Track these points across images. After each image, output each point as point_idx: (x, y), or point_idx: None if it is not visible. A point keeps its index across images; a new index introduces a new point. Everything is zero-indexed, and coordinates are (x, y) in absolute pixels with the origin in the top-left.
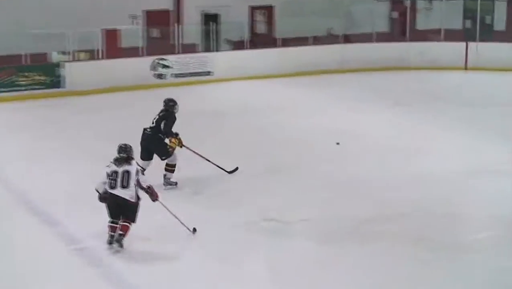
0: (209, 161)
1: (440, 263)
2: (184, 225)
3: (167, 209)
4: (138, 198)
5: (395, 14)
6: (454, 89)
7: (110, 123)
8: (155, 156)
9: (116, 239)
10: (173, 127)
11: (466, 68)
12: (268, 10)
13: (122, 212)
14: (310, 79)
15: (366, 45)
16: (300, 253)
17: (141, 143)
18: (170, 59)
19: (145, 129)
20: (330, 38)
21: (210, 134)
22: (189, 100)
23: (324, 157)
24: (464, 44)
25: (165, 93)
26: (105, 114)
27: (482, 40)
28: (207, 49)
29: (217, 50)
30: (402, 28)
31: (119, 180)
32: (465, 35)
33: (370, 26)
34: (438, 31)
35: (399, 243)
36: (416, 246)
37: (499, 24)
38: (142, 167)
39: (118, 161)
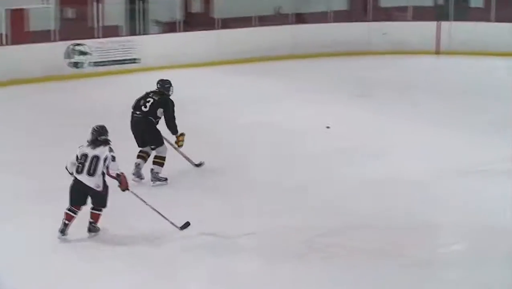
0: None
1: (409, 281)
2: (167, 219)
3: (143, 201)
4: (105, 186)
5: None
6: (425, 76)
7: (12, 123)
8: None
9: (89, 229)
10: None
11: (438, 52)
12: None
13: (87, 199)
14: (255, 67)
15: (321, 26)
16: (245, 271)
17: (133, 129)
18: (89, 44)
19: (133, 113)
20: (278, 18)
21: None
22: (111, 92)
23: (271, 161)
24: (435, 24)
25: (82, 85)
26: (7, 110)
27: (457, 19)
28: (133, 32)
29: (144, 33)
30: (363, 5)
31: (86, 165)
32: (437, 14)
33: (326, 3)
34: (405, 9)
35: (360, 258)
36: (380, 261)
37: (476, 0)
38: (145, 152)
39: (93, 143)
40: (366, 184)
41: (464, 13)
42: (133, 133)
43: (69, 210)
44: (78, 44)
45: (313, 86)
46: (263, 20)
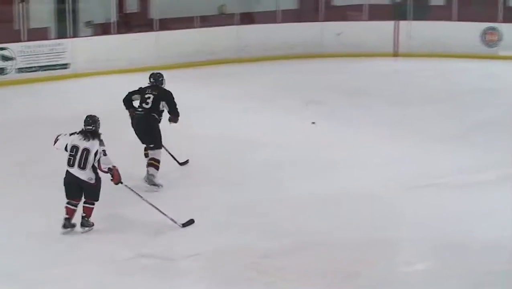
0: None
1: None
2: (166, 215)
3: (139, 195)
4: (98, 179)
5: None
6: (382, 81)
7: None
8: None
9: (81, 224)
10: None
11: (396, 54)
12: None
13: (82, 192)
14: (197, 72)
15: (270, 27)
16: None
17: (134, 127)
18: (13, 48)
19: (137, 108)
20: (223, 18)
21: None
22: (38, 101)
23: (215, 176)
24: (393, 23)
25: (7, 93)
26: None
27: (416, 18)
28: (63, 34)
29: (75, 36)
30: (314, 4)
31: (77, 158)
32: (395, 12)
33: (274, 2)
34: (360, 8)
35: (313, 280)
36: (335, 283)
37: None
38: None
39: (83, 135)
40: (318, 198)
41: (424, 12)
42: (136, 131)
43: (68, 204)
44: (1, 48)
45: (261, 92)
46: (206, 21)
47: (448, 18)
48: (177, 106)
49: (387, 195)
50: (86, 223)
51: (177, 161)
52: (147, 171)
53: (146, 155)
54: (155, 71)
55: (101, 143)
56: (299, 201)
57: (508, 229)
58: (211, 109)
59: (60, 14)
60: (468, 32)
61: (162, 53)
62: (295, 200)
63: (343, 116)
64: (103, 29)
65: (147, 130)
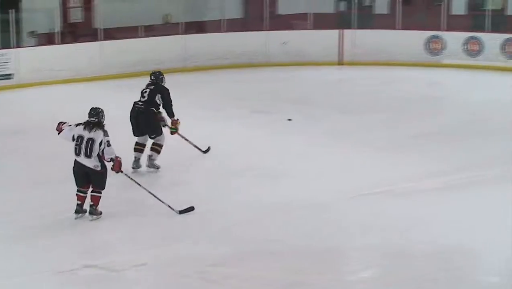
0: (187, 141)
1: None
2: (164, 203)
3: (138, 184)
4: (103, 166)
5: None
6: (327, 90)
7: None
8: None
9: (89, 212)
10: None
11: (341, 63)
12: None
13: (89, 179)
14: (142, 81)
15: (215, 36)
16: None
17: (132, 119)
18: None
19: (135, 103)
20: (168, 28)
21: (8, 162)
22: None
23: (163, 186)
24: (337, 32)
25: None
26: None
27: (360, 26)
28: (6, 45)
29: (18, 46)
30: (259, 13)
31: (83, 147)
32: (339, 21)
33: (219, 11)
34: (304, 16)
35: (260, 288)
36: None
37: (381, 5)
38: (141, 144)
39: (87, 126)
40: (266, 207)
41: (368, 20)
42: (132, 122)
43: (78, 191)
44: None
45: (206, 102)
46: (151, 30)
47: (392, 26)
48: (172, 104)
49: (334, 204)
50: (94, 211)
51: (200, 150)
52: (150, 155)
53: (137, 150)
54: (156, 70)
55: (106, 134)
56: (247, 210)
57: (452, 237)
58: None
59: (4, 24)
60: (412, 40)
61: (107, 63)
62: (243, 209)
63: (289, 125)
64: (47, 39)
65: (147, 122)
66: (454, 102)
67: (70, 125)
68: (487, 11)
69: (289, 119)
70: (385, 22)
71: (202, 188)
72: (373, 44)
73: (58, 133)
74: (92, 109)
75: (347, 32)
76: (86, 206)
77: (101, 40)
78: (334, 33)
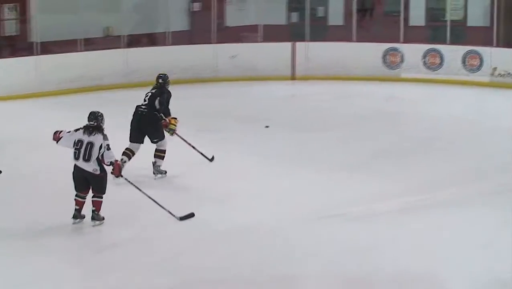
0: (193, 147)
1: None
2: (164, 208)
3: (138, 188)
4: (103, 170)
5: (197, 6)
6: (279, 106)
7: None
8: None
9: (92, 217)
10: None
11: (293, 77)
12: (21, 4)
13: (89, 184)
14: (82, 98)
15: (159, 49)
16: None
17: (133, 123)
18: None
19: (138, 107)
20: (109, 41)
21: None
22: None
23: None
24: (289, 44)
25: None
26: None
27: (314, 39)
28: None
29: None
30: (206, 25)
31: (82, 151)
32: (291, 33)
33: (164, 23)
34: (255, 28)
35: None
36: None
37: (335, 17)
38: (131, 151)
39: (86, 130)
40: (212, 233)
41: (322, 32)
42: (132, 127)
43: (76, 196)
44: None
45: None
46: (91, 43)
47: (348, 38)
48: (167, 105)
49: (284, 229)
50: (96, 217)
51: (207, 158)
52: (155, 162)
53: (125, 153)
54: (162, 73)
55: (105, 137)
56: (193, 236)
57: (412, 263)
58: None
59: None
60: (368, 53)
61: (44, 79)
62: (189, 234)
63: (239, 144)
64: None
65: (149, 127)
66: (413, 118)
67: (69, 131)
68: (447, 22)
69: (267, 126)
70: (340, 34)
71: (144, 212)
72: (327, 57)
73: (56, 142)
74: (91, 113)
75: (299, 45)
76: (84, 211)
77: (37, 55)
78: (286, 46)
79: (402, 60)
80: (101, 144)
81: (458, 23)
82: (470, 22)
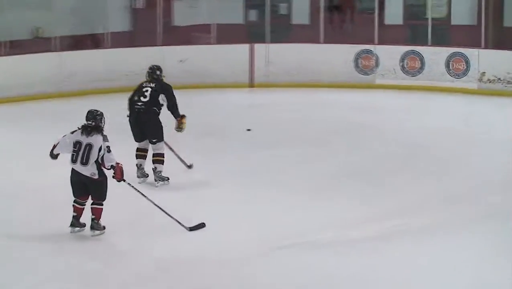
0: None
1: None
2: (172, 217)
3: (143, 195)
4: (102, 174)
5: (140, 3)
6: (235, 118)
7: None
8: None
9: (91, 226)
10: None
11: (252, 85)
12: None
13: (88, 190)
14: (6, 110)
15: (96, 53)
16: None
17: (132, 121)
18: None
19: (134, 103)
20: (38, 43)
21: None
22: None
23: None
24: (247, 47)
25: None
26: None
27: (276, 40)
28: None
29: None
30: (151, 24)
31: (80, 153)
32: (249, 33)
33: (102, 23)
34: (207, 28)
35: None
36: None
37: (300, 14)
38: (142, 150)
39: (84, 130)
40: (162, 265)
41: (285, 33)
42: (133, 126)
43: (74, 202)
44: None
45: None
46: (18, 46)
47: (315, 40)
48: (177, 103)
49: (239, 260)
50: (96, 226)
51: (185, 164)
52: (155, 168)
53: (139, 156)
54: (154, 64)
55: (105, 138)
56: (142, 267)
57: None
58: (21, 155)
59: None
60: (338, 56)
61: None
62: (137, 266)
63: (187, 161)
64: None
65: (148, 124)
66: (389, 131)
67: (64, 135)
68: (428, 20)
69: (248, 130)
70: (306, 35)
71: (84, 244)
72: (291, 61)
73: (52, 151)
74: (89, 112)
75: (259, 47)
76: (83, 219)
77: None
78: (243, 48)
79: (376, 64)
80: (101, 146)
81: (441, 21)
82: (455, 21)
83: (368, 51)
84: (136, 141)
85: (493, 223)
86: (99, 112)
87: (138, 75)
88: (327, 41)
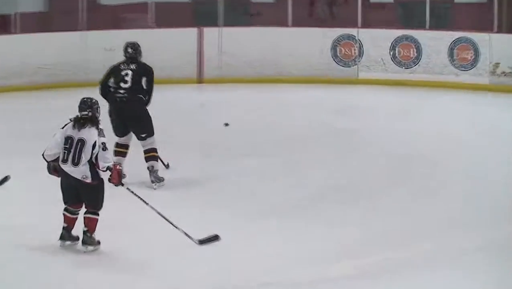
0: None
1: None
2: (176, 227)
3: (145, 202)
4: (96, 177)
5: None
6: (180, 122)
7: None
8: None
9: (83, 240)
10: None
11: (200, 80)
12: None
13: (80, 195)
14: None
15: (3, 39)
16: None
17: (113, 114)
18: None
19: (114, 91)
20: None
21: None
22: None
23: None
24: (195, 31)
25: None
26: None
27: (231, 22)
28: None
29: None
30: (71, 3)
31: (72, 151)
32: (197, 14)
33: (9, 2)
34: (143, 7)
35: None
36: None
37: None
38: (122, 146)
39: (77, 122)
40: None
41: (243, 15)
42: (116, 118)
43: (65, 210)
44: None
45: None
46: None
47: (282, 22)
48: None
49: None
50: (88, 240)
51: (163, 164)
52: (152, 167)
53: (118, 153)
54: (132, 41)
55: (101, 133)
56: None
57: None
58: None
59: None
60: (311, 43)
61: None
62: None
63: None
64: None
65: (135, 117)
66: (376, 139)
67: (55, 134)
68: None
69: (226, 124)
70: (270, 16)
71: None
72: (251, 49)
73: (43, 156)
74: (83, 101)
75: (209, 32)
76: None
77: None
78: (190, 34)
79: (360, 53)
80: (95, 142)
81: None
82: None
83: (350, 37)
84: (116, 135)
85: (489, 260)
86: (94, 100)
87: (54, 68)
88: (297, 24)
